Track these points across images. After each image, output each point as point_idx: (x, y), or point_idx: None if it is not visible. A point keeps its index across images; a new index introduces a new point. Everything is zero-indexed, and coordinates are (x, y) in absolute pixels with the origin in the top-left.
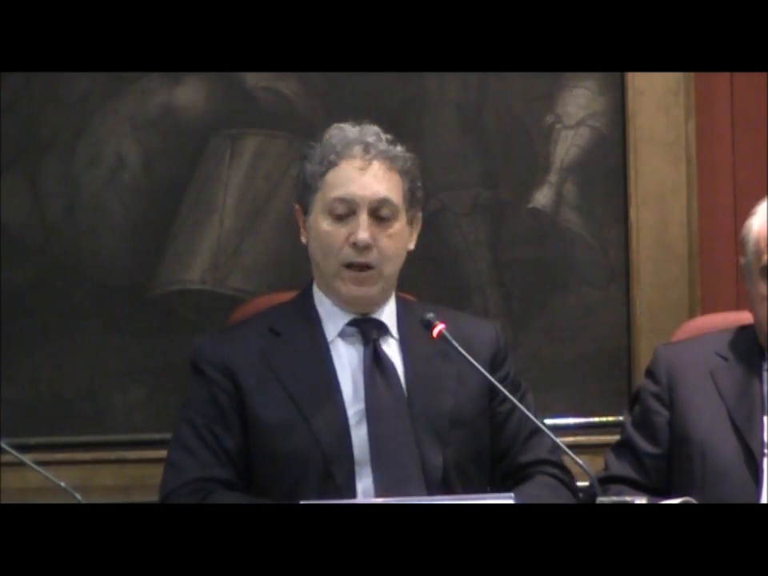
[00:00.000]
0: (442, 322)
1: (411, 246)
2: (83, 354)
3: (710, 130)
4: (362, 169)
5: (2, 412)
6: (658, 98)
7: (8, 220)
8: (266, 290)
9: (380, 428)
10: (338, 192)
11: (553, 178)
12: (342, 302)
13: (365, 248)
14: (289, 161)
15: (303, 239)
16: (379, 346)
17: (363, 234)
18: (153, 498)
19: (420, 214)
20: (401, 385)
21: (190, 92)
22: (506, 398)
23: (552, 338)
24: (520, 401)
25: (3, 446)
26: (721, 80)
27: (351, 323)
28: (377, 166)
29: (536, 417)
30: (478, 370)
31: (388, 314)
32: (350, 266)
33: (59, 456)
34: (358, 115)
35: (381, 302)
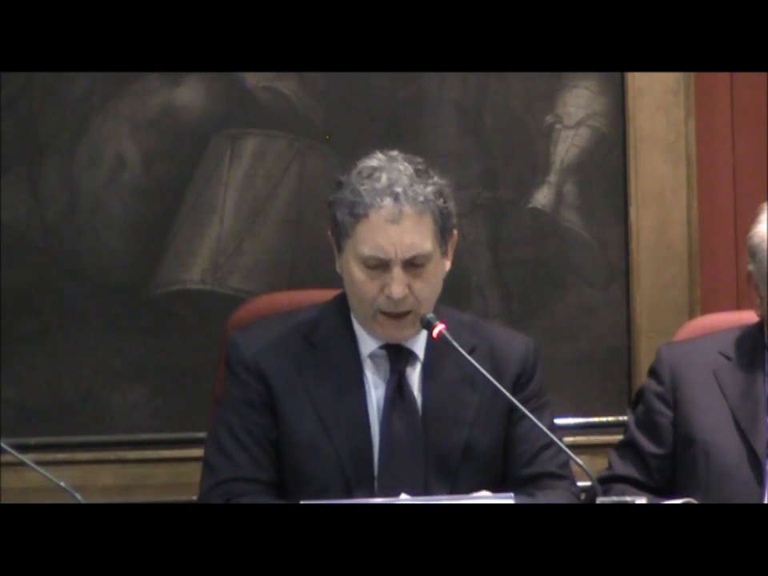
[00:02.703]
0: (443, 322)
1: (448, 267)
2: (83, 354)
3: (709, 130)
4: (393, 221)
5: (2, 412)
6: (657, 97)
7: (8, 220)
8: (266, 289)
9: (388, 463)
10: (369, 247)
11: (553, 178)
12: (378, 338)
13: (399, 300)
14: (289, 161)
15: (338, 268)
16: (404, 378)
17: (397, 290)
18: (153, 497)
19: (455, 233)
20: (419, 419)
21: (189, 92)
22: (521, 417)
23: (552, 337)
24: (536, 415)
25: (3, 446)
26: (721, 80)
27: (381, 346)
28: (407, 216)
29: (552, 432)
30: (499, 393)
31: (419, 341)
32: (385, 313)
33: (59, 456)
34: (358, 115)
35: (416, 335)
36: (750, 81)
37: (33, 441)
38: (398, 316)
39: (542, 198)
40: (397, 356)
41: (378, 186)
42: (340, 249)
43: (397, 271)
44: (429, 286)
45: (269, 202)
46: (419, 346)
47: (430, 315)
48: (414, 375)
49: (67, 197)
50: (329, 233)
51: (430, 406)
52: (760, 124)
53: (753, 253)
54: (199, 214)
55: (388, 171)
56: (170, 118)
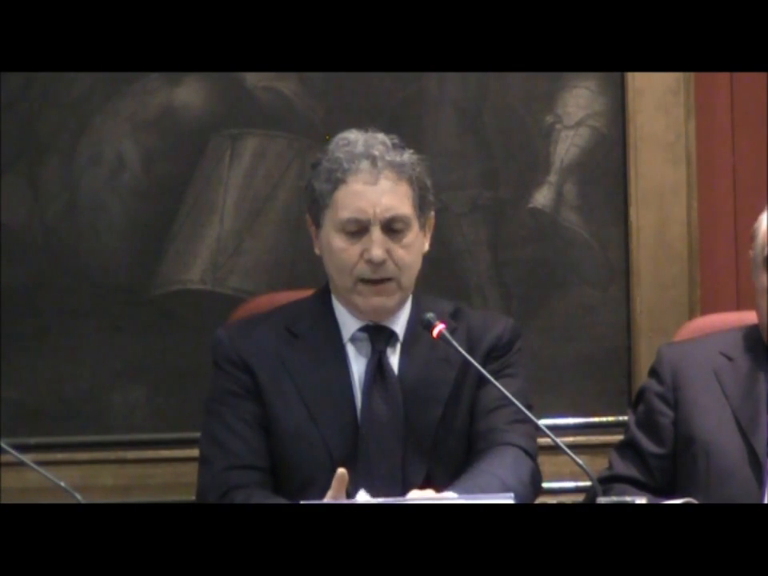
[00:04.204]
0: (442, 321)
1: (426, 248)
2: (83, 354)
3: (709, 130)
4: (371, 183)
5: (2, 412)
6: (658, 97)
7: (8, 220)
8: (266, 289)
9: (369, 444)
10: (348, 211)
11: (553, 177)
12: (359, 312)
13: (379, 264)
14: (289, 161)
15: (317, 250)
16: (384, 357)
17: (377, 251)
18: (153, 497)
19: (433, 215)
20: (399, 399)
21: (189, 92)
22: (489, 389)
23: (552, 337)
24: (504, 381)
25: (3, 446)
26: (721, 80)
27: (362, 329)
28: (385, 179)
29: (519, 398)
30: (475, 370)
31: (400, 321)
32: (365, 281)
33: (59, 456)
34: (358, 115)
35: (397, 310)
36: (750, 81)
37: (33, 441)
38: (378, 283)
39: (542, 198)
40: (378, 337)
41: (355, 150)
42: (319, 225)
43: (376, 233)
44: (409, 255)
45: (269, 202)
46: (400, 326)
47: (430, 315)
48: (395, 355)
49: (67, 197)
50: (307, 216)
51: (408, 384)
52: (760, 124)
53: (752, 237)
54: (199, 214)
55: (365, 139)
56: (170, 118)
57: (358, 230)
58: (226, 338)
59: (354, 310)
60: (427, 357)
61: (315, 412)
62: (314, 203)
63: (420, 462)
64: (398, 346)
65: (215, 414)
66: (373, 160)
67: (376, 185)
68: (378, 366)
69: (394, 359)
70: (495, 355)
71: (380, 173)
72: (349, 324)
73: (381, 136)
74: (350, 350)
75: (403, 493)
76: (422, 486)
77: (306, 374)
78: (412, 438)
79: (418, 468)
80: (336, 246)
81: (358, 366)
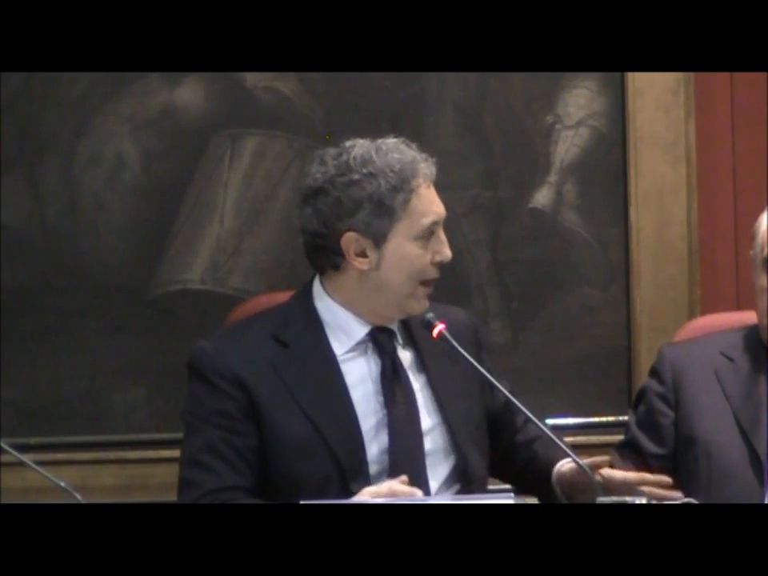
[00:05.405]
0: (442, 321)
1: None
2: (83, 354)
3: (710, 130)
4: (429, 186)
5: (2, 412)
6: (657, 97)
7: (8, 220)
8: (266, 289)
9: (399, 442)
10: (429, 216)
11: (553, 178)
12: (403, 315)
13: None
14: (289, 161)
15: (364, 266)
16: (397, 357)
17: (449, 251)
18: (153, 497)
19: None
20: (414, 396)
21: (189, 92)
22: (493, 388)
23: (552, 337)
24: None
25: (3, 445)
26: (721, 80)
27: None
28: (432, 184)
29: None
30: (472, 366)
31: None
32: (424, 282)
33: (59, 456)
34: (358, 115)
35: None
36: (749, 81)
37: (33, 441)
38: (432, 283)
39: (542, 198)
40: (382, 337)
41: (410, 156)
42: (383, 240)
43: (443, 234)
44: None
45: (269, 202)
46: (394, 324)
47: (430, 315)
48: (402, 356)
49: (67, 197)
50: (348, 235)
51: (430, 382)
52: (760, 124)
53: (752, 237)
54: (199, 214)
55: (397, 144)
56: (170, 118)
57: (432, 232)
58: (214, 351)
59: (401, 314)
60: (431, 352)
61: (319, 422)
62: (379, 216)
63: (445, 459)
64: (398, 346)
65: (199, 434)
66: (426, 165)
67: (431, 188)
68: (392, 367)
69: (401, 357)
70: (484, 354)
71: (431, 178)
72: (355, 329)
73: (391, 138)
74: (351, 355)
75: (431, 491)
76: (456, 480)
77: (303, 385)
78: (432, 434)
79: (443, 465)
80: (413, 254)
81: (361, 370)
